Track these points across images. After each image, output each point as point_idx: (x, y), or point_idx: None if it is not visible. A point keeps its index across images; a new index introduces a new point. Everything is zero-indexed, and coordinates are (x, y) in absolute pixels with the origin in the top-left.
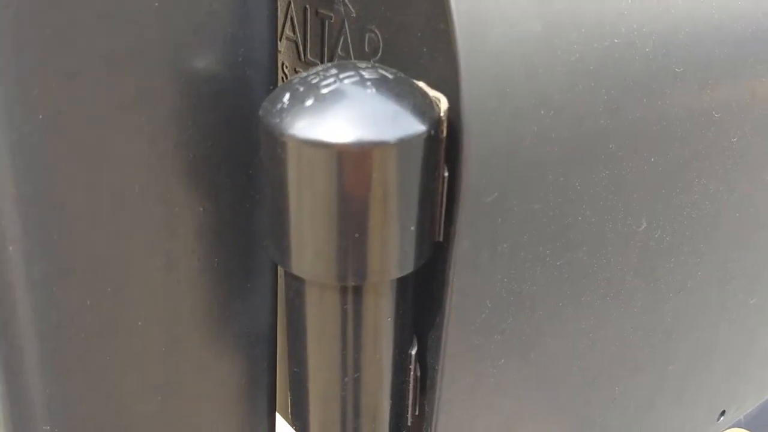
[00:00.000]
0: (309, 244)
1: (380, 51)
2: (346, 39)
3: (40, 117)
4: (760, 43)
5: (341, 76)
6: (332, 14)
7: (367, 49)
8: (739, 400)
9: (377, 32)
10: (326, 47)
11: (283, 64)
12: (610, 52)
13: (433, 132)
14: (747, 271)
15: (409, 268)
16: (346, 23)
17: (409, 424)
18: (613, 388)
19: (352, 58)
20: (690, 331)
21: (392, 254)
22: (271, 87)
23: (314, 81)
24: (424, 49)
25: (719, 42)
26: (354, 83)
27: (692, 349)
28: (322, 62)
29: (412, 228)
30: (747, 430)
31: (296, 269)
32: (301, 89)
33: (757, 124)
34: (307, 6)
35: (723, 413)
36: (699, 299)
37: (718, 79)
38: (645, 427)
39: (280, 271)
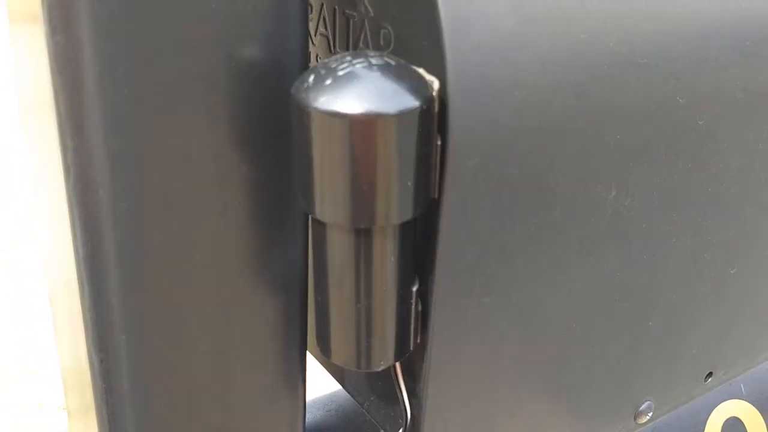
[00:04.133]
0: (328, 194)
1: (392, 44)
2: (365, 34)
3: (125, 91)
4: (723, 38)
5: (354, 61)
6: (355, 14)
7: (382, 42)
8: (727, 364)
9: (390, 29)
10: (350, 41)
11: (317, 56)
12: (577, 44)
13: (425, 107)
14: (724, 242)
15: (408, 216)
16: (366, 21)
17: (411, 348)
18: (592, 336)
19: (371, 49)
20: (666, 292)
21: (394, 203)
22: (303, 70)
23: (333, 66)
24: (424, 42)
25: (683, 36)
26: (364, 67)
27: (670, 310)
28: None
29: (410, 183)
30: (748, 401)
31: (319, 215)
32: (323, 72)
33: (724, 108)
34: (336, 7)
35: (710, 375)
36: (674, 264)
37: (682, 69)
38: (629, 378)
39: (311, 222)
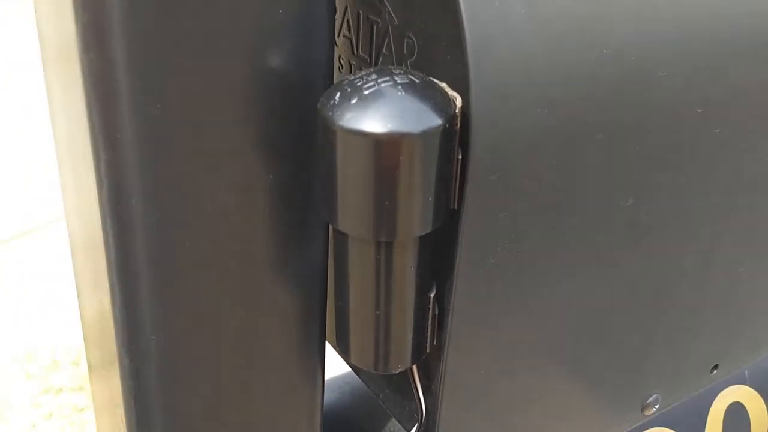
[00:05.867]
0: (352, 208)
1: (415, 54)
2: (389, 41)
3: (158, 106)
4: (742, 48)
5: (379, 80)
6: (380, 20)
7: (405, 51)
8: (733, 357)
9: (413, 38)
10: (374, 46)
11: (339, 57)
12: (599, 61)
13: (448, 125)
14: (735, 244)
15: (428, 229)
16: (390, 29)
17: (428, 351)
18: (604, 336)
19: (394, 57)
20: (676, 292)
21: (414, 218)
22: (328, 82)
23: (359, 84)
24: (448, 57)
25: (702, 48)
26: (389, 86)
27: (680, 309)
28: (370, 58)
29: (430, 198)
30: (751, 387)
31: (342, 227)
32: (349, 90)
33: (741, 117)
34: (360, 12)
35: (716, 367)
36: (685, 266)
37: (700, 80)
38: (639, 374)
39: (332, 232)
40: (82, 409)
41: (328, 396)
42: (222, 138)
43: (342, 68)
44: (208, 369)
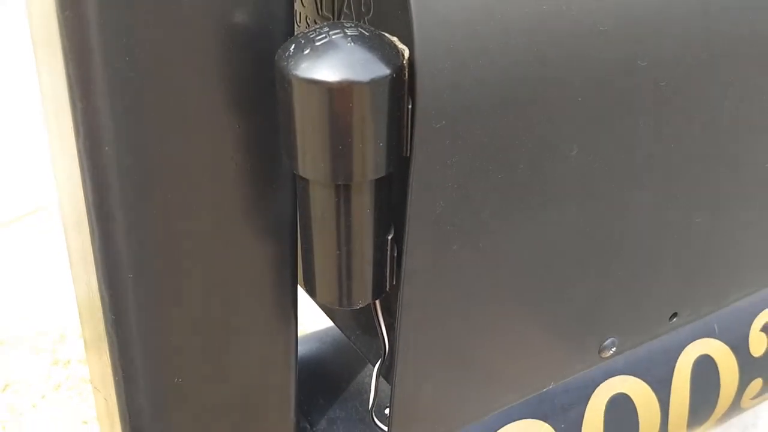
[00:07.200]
0: (309, 153)
1: (371, 11)
2: (349, 0)
3: (127, 59)
4: (686, 4)
5: (330, 33)
6: None
7: (363, 9)
8: (692, 306)
9: None
10: (335, 5)
11: (306, 17)
12: (540, 15)
13: (395, 75)
14: (688, 195)
15: (381, 173)
16: None
17: (387, 289)
18: (557, 279)
19: (353, 14)
20: (629, 240)
21: (368, 162)
22: (288, 37)
23: (312, 36)
24: (398, 12)
25: (645, 4)
26: (340, 38)
27: (633, 256)
28: (333, 16)
29: (382, 144)
30: (720, 340)
31: (302, 172)
32: (303, 42)
33: (687, 70)
34: None
35: (675, 315)
36: (637, 215)
37: (643, 34)
38: (595, 316)
39: (296, 178)
40: (89, 380)
41: (310, 346)
42: (188, 89)
43: (308, 28)
44: (185, 307)
